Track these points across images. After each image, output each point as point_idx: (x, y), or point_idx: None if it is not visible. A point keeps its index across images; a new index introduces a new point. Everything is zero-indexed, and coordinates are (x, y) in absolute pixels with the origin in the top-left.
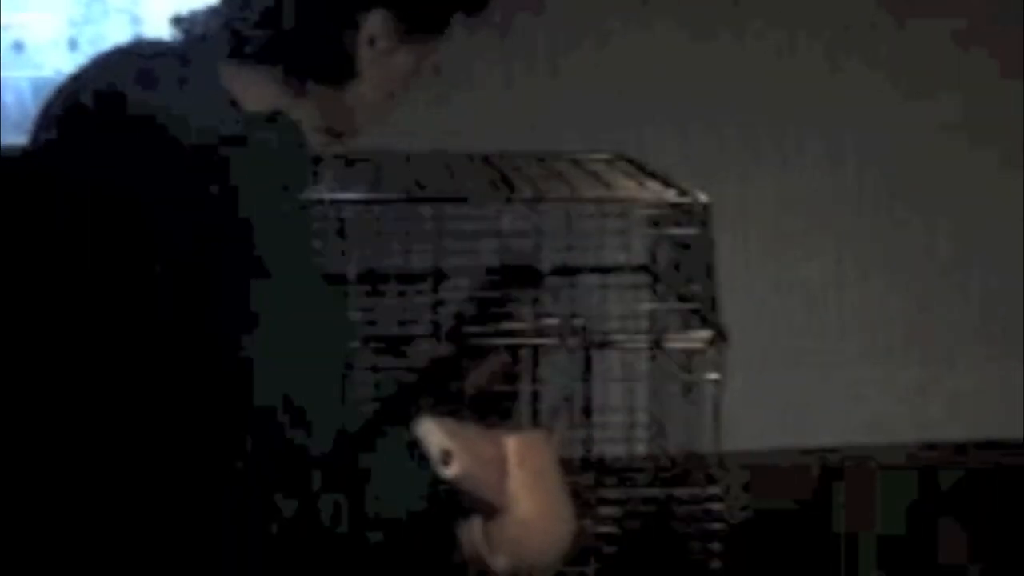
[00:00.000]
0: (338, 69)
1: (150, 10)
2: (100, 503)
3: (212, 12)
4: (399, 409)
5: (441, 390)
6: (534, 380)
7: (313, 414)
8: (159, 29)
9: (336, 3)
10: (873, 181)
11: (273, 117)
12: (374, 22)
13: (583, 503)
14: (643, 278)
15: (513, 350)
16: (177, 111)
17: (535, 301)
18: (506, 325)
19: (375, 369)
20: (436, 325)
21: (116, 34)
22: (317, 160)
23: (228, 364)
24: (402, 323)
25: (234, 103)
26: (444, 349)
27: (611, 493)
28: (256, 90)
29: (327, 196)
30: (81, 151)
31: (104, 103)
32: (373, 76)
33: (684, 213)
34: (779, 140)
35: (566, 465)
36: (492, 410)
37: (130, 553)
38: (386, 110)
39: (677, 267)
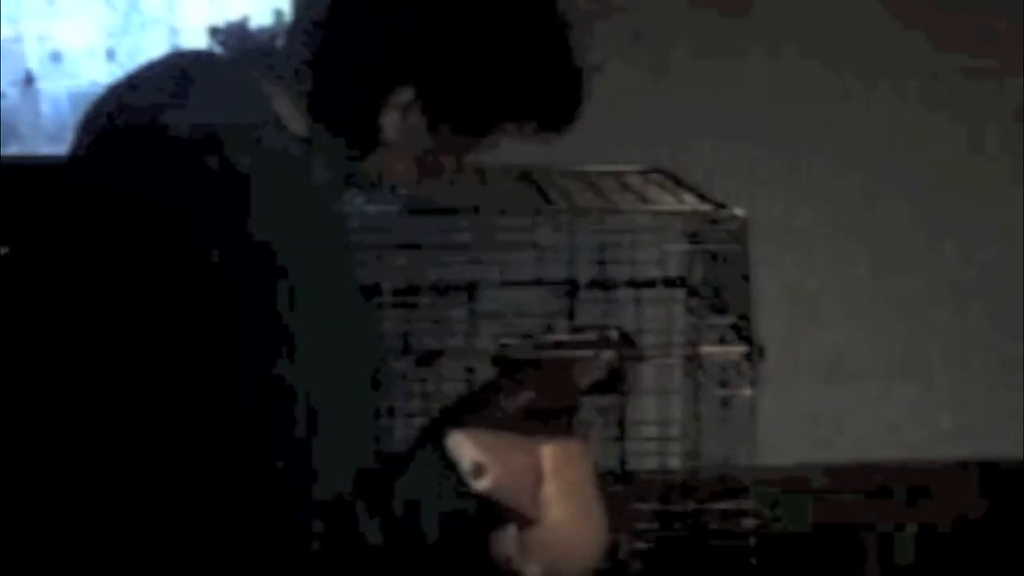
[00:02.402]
0: (358, 133)
1: (187, 21)
2: (129, 511)
3: (257, 29)
4: (440, 423)
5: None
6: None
7: (346, 425)
8: (196, 40)
9: (370, 69)
10: (910, 198)
11: (315, 138)
12: (404, 97)
13: (616, 515)
14: (678, 292)
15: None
16: (220, 125)
17: (570, 314)
18: (542, 337)
19: (408, 380)
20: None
21: (153, 45)
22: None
23: (263, 375)
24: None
25: (277, 119)
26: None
27: (644, 507)
28: (301, 112)
29: (363, 208)
30: (122, 163)
31: (146, 115)
32: (402, 151)
33: (721, 227)
34: (814, 155)
35: (600, 477)
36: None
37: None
38: (424, 180)
39: (712, 281)
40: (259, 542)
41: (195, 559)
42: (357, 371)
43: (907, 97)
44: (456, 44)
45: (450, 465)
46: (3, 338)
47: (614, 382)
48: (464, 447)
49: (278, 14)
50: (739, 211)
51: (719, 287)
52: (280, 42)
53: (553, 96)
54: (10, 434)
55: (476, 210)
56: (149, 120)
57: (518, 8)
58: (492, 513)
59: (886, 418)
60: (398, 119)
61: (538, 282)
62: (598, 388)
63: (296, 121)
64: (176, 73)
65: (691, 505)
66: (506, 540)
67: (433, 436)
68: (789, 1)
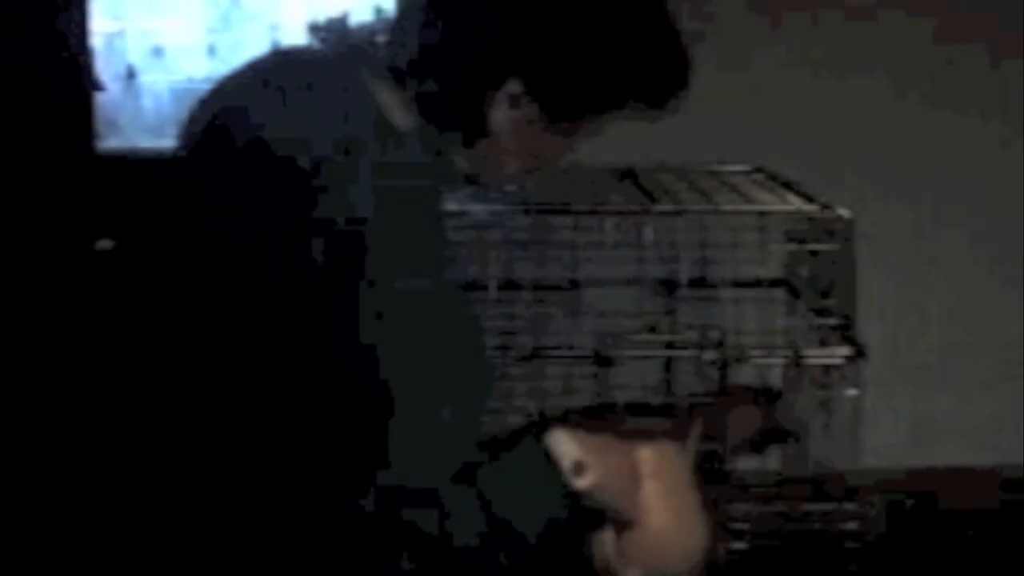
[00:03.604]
0: (467, 124)
1: (287, 17)
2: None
3: (359, 24)
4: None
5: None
6: (668, 392)
7: (450, 424)
8: (296, 36)
9: (479, 62)
10: (1011, 202)
11: (420, 132)
12: (514, 88)
13: (715, 517)
14: (779, 292)
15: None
16: (324, 121)
17: (671, 313)
18: (643, 337)
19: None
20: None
21: (253, 41)
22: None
23: (367, 372)
24: (537, 333)
25: (381, 115)
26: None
27: (744, 509)
28: (404, 108)
29: (466, 207)
30: (228, 160)
31: (251, 113)
32: (511, 141)
33: (824, 228)
34: (919, 159)
35: (699, 478)
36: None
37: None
38: (525, 176)
39: (814, 281)
40: (363, 538)
41: (302, 551)
42: (459, 366)
43: (1013, 94)
44: (562, 30)
45: (550, 462)
46: (108, 330)
47: (778, 435)
48: (566, 444)
49: (378, 10)
50: (845, 212)
51: (823, 288)
52: (383, 37)
53: (659, 72)
54: (111, 425)
55: (578, 209)
56: (254, 118)
57: None
58: (591, 514)
59: (990, 422)
60: (507, 111)
61: (639, 281)
62: (767, 439)
63: (401, 116)
64: (280, 70)
65: (791, 507)
66: (604, 542)
67: (536, 433)
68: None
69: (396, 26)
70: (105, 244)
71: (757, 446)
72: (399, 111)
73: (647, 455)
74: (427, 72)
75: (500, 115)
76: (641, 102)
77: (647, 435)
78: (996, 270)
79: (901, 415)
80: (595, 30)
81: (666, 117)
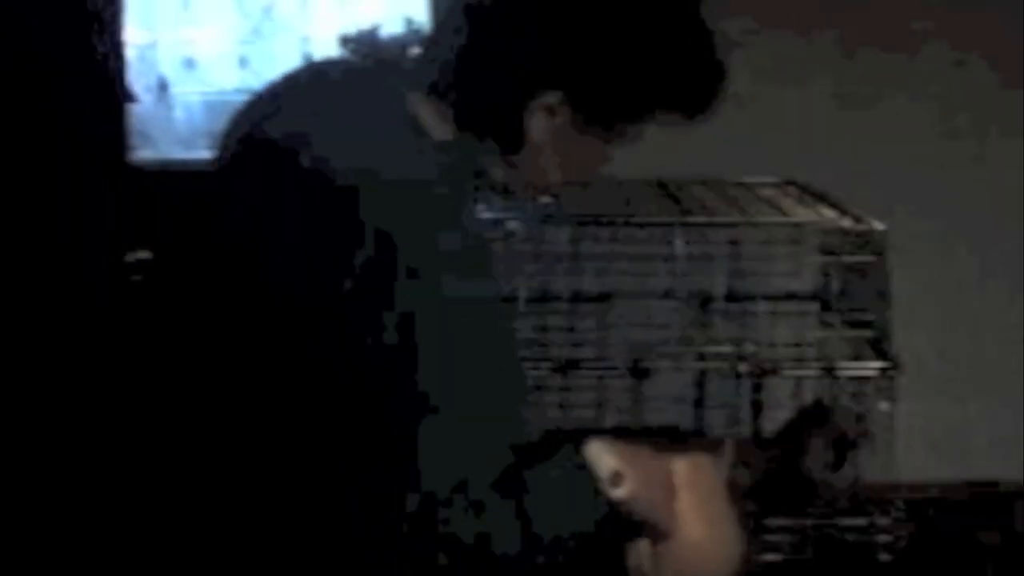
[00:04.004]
0: (505, 135)
1: (319, 29)
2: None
3: (391, 37)
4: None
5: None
6: (700, 404)
7: (484, 433)
8: (328, 48)
9: (516, 73)
10: None
11: (456, 144)
12: (551, 98)
13: (749, 529)
14: (812, 305)
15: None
16: (360, 134)
17: (705, 326)
18: (676, 349)
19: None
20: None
21: (285, 53)
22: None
23: (401, 384)
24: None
25: (417, 126)
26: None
27: (777, 521)
28: (441, 120)
29: (500, 217)
30: (264, 173)
31: (287, 126)
32: (549, 151)
33: (858, 240)
34: (952, 172)
35: (733, 490)
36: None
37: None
38: (562, 186)
39: (849, 295)
40: (404, 547)
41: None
42: (495, 375)
43: None
44: (599, 38)
45: (588, 472)
46: (142, 342)
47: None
48: (603, 455)
49: (409, 22)
50: (879, 224)
51: (856, 301)
52: (415, 49)
53: (695, 78)
54: (149, 433)
55: (612, 221)
56: (290, 131)
57: None
58: (627, 524)
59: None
60: (544, 120)
61: (672, 293)
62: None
63: (439, 128)
64: (316, 83)
65: (826, 520)
66: (640, 553)
67: (573, 443)
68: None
69: (432, 38)
70: (139, 256)
71: (835, 462)
72: (436, 123)
73: (682, 466)
74: (464, 84)
75: (538, 124)
76: (677, 108)
77: (682, 447)
78: None
79: (934, 428)
80: (631, 37)
81: (699, 129)
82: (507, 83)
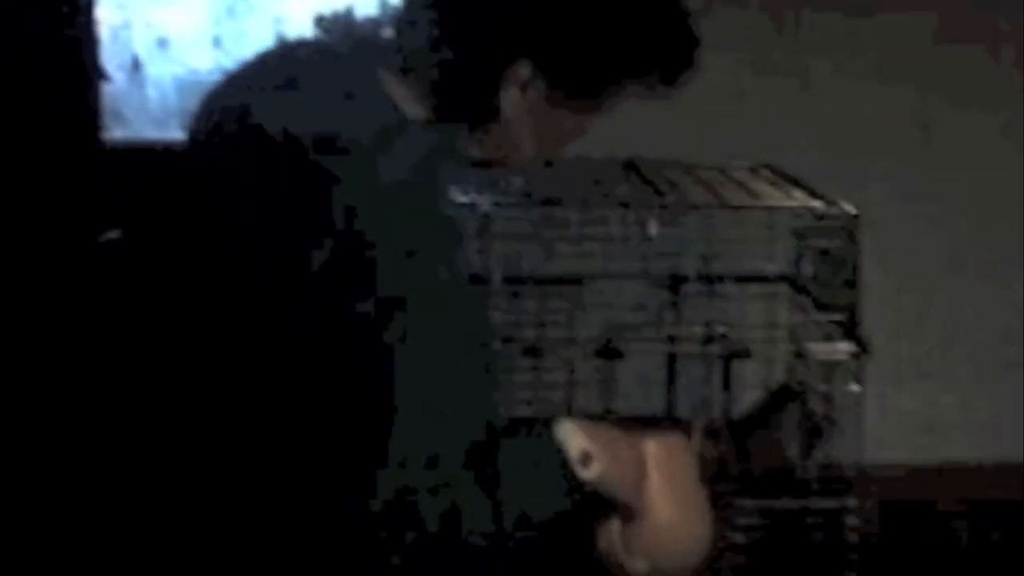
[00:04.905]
0: (477, 110)
1: (292, 9)
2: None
3: (365, 17)
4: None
5: None
6: (671, 386)
7: (455, 414)
8: (302, 28)
9: (487, 47)
10: (1011, 198)
11: (430, 122)
12: (523, 71)
13: (719, 511)
14: (783, 288)
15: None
16: (334, 114)
17: (676, 308)
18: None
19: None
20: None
21: (258, 33)
22: (466, 164)
23: (371, 363)
24: (541, 325)
25: (391, 105)
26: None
27: (747, 503)
28: (415, 98)
29: (472, 199)
30: (237, 152)
31: (260, 106)
32: (523, 124)
33: (830, 224)
34: (925, 155)
35: (703, 472)
36: None
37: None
38: (538, 160)
39: (818, 278)
40: (374, 528)
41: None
42: (469, 355)
43: (1014, 90)
44: (568, 7)
45: (558, 453)
46: (113, 322)
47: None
48: (573, 435)
49: (383, 3)
50: (850, 208)
51: (827, 284)
52: (389, 29)
53: (667, 45)
54: (117, 418)
55: (584, 202)
56: (264, 110)
57: None
58: (597, 505)
59: (991, 418)
60: (517, 93)
61: (644, 275)
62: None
63: (413, 106)
64: (289, 63)
65: (794, 502)
66: (610, 532)
67: (543, 423)
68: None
69: (402, 15)
70: (111, 235)
71: (805, 444)
72: (410, 101)
73: (653, 447)
74: (435, 60)
75: (510, 98)
76: (649, 76)
77: (653, 428)
78: (997, 266)
79: (903, 411)
80: (602, 7)
81: (672, 111)
82: (479, 59)
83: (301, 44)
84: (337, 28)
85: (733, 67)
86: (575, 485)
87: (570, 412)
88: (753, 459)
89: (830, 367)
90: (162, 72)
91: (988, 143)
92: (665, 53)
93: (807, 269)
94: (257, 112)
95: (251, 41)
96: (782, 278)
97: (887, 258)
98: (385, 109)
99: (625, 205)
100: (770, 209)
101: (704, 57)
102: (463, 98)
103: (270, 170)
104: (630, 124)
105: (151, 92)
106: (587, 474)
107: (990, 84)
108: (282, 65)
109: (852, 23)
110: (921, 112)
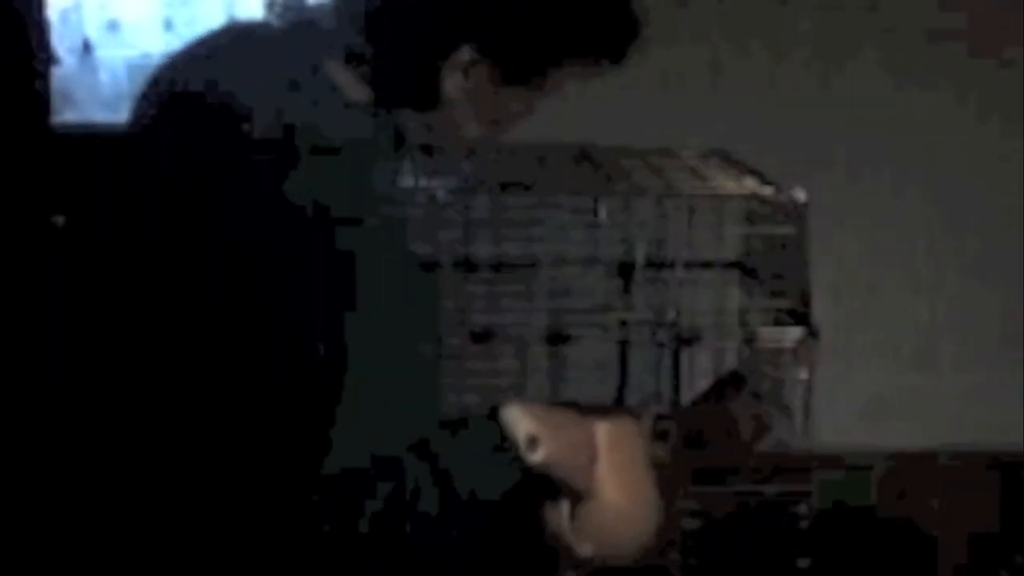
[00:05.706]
0: (420, 95)
1: None
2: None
3: (317, 3)
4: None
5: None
6: (622, 373)
7: (403, 401)
8: (253, 11)
9: (428, 32)
10: (970, 182)
11: (372, 106)
12: (464, 56)
13: (669, 495)
14: (734, 274)
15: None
16: (277, 96)
17: (626, 294)
18: (597, 317)
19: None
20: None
21: (210, 16)
22: (411, 148)
23: (323, 343)
24: (491, 311)
25: (334, 88)
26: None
27: (697, 487)
28: (358, 82)
29: (420, 183)
30: (181, 134)
31: (204, 87)
32: (467, 107)
33: (779, 210)
34: (876, 140)
35: (654, 456)
36: None
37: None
38: (488, 138)
39: (770, 264)
40: (323, 516)
41: (253, 528)
42: (416, 341)
43: (958, 63)
44: None
45: (505, 437)
46: (60, 306)
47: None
48: (520, 419)
49: None
50: (800, 194)
51: (777, 270)
52: (335, 12)
53: (610, 23)
54: (61, 405)
55: (532, 187)
56: (207, 92)
57: None
58: (545, 488)
59: (944, 405)
60: (460, 76)
61: (594, 261)
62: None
63: (355, 89)
64: (233, 45)
65: (744, 487)
66: (559, 516)
67: (491, 409)
68: None
69: (347, 0)
70: (59, 220)
71: (754, 430)
72: (353, 86)
73: (603, 430)
74: (379, 45)
75: (453, 82)
76: (591, 58)
77: (604, 411)
78: (950, 250)
79: (853, 395)
80: None
81: (623, 97)
82: (421, 44)
83: (246, 26)
84: (289, 12)
85: (687, 51)
86: (523, 469)
87: (521, 397)
88: (706, 445)
89: (780, 353)
90: (113, 55)
91: (945, 128)
92: (607, 33)
93: (757, 255)
94: (200, 95)
95: (203, 24)
96: (732, 264)
97: (837, 244)
98: (328, 92)
99: (576, 191)
100: (719, 195)
101: (654, 41)
102: (405, 82)
103: (214, 153)
104: (582, 110)
105: (102, 75)
106: (534, 457)
107: (935, 56)
108: (226, 47)
109: (816, 6)
110: (871, 94)
